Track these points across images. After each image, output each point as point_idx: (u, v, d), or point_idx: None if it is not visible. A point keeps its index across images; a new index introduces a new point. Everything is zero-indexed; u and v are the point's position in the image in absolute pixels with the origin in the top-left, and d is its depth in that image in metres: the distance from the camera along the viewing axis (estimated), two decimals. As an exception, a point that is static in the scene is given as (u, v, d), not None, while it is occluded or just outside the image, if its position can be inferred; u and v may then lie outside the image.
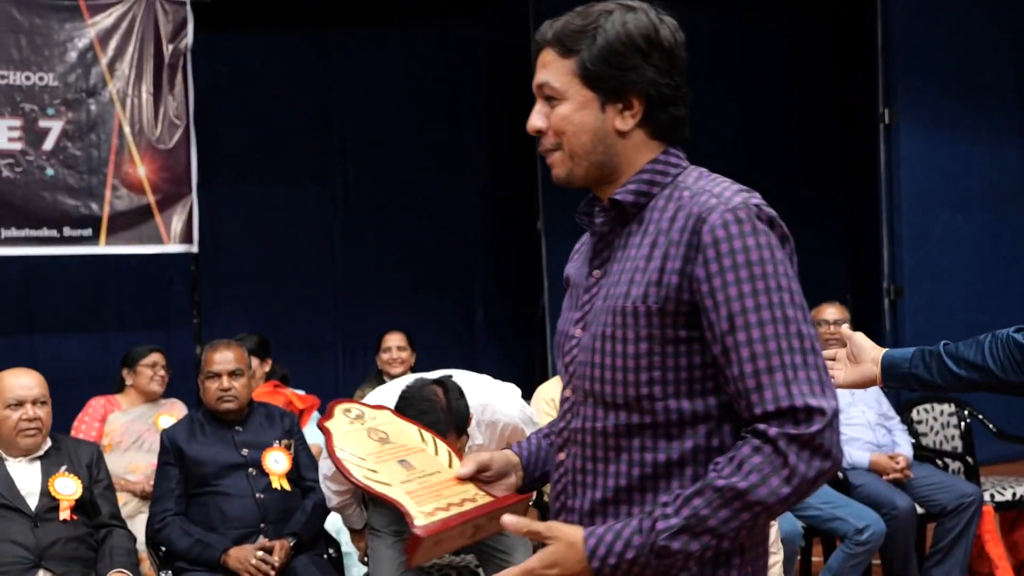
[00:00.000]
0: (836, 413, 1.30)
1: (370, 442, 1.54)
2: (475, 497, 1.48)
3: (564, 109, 1.42)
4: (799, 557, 3.99)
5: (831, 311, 4.37)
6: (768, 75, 7.20)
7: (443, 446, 1.58)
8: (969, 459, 4.47)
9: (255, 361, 4.39)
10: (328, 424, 1.57)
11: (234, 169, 6.71)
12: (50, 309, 6.37)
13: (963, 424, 4.63)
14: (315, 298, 7.13)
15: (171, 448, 3.34)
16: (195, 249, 5.82)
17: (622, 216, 1.43)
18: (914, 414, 4.67)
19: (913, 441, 4.44)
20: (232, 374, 3.37)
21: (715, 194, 1.37)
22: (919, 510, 4.10)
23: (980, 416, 4.72)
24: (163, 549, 3.30)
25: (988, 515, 4.16)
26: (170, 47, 5.83)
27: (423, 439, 1.58)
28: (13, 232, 5.50)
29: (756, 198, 1.39)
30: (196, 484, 3.32)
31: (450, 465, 1.54)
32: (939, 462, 4.44)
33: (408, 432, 1.59)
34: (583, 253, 1.54)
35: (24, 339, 6.35)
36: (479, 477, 1.52)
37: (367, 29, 7.16)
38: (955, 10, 6.28)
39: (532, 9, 6.75)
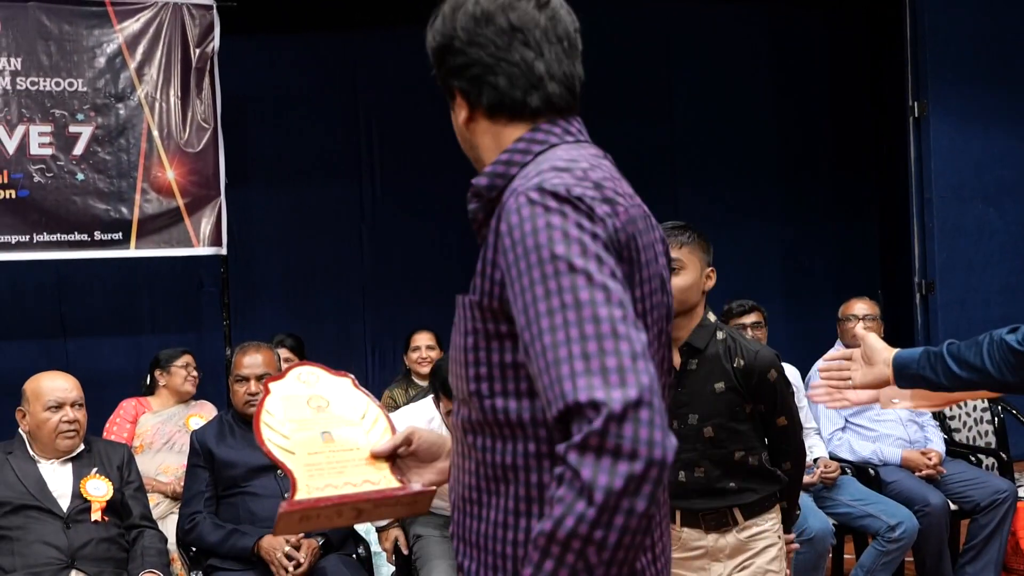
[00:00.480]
0: (638, 403, 1.07)
1: (304, 408, 1.57)
2: (379, 481, 1.49)
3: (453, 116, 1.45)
4: (831, 555, 3.96)
5: (860, 306, 4.33)
6: (798, 68, 7.15)
7: (384, 426, 1.59)
8: (1003, 455, 4.43)
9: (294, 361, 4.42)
10: (272, 384, 1.61)
11: (262, 171, 6.76)
12: (82, 313, 6.44)
13: (997, 419, 4.58)
14: (344, 299, 7.16)
15: (201, 450, 3.37)
16: (224, 251, 5.86)
17: (488, 202, 1.35)
18: (947, 409, 4.62)
19: (946, 437, 4.40)
20: (260, 378, 3.39)
21: (527, 176, 1.27)
22: (952, 507, 4.07)
23: (1014, 411, 4.66)
24: (193, 549, 3.33)
25: (1023, 511, 4.11)
26: (197, 51, 5.88)
27: (365, 415, 1.60)
28: (45, 237, 5.57)
29: (558, 179, 1.22)
30: (225, 486, 3.34)
31: (377, 444, 1.55)
32: (972, 458, 4.39)
33: (353, 405, 1.61)
34: None
35: (57, 343, 6.43)
36: (400, 452, 1.55)
37: (394, 30, 7.17)
38: (985, 0, 6.20)
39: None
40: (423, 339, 5.16)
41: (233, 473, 3.34)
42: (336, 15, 7.08)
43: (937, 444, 4.23)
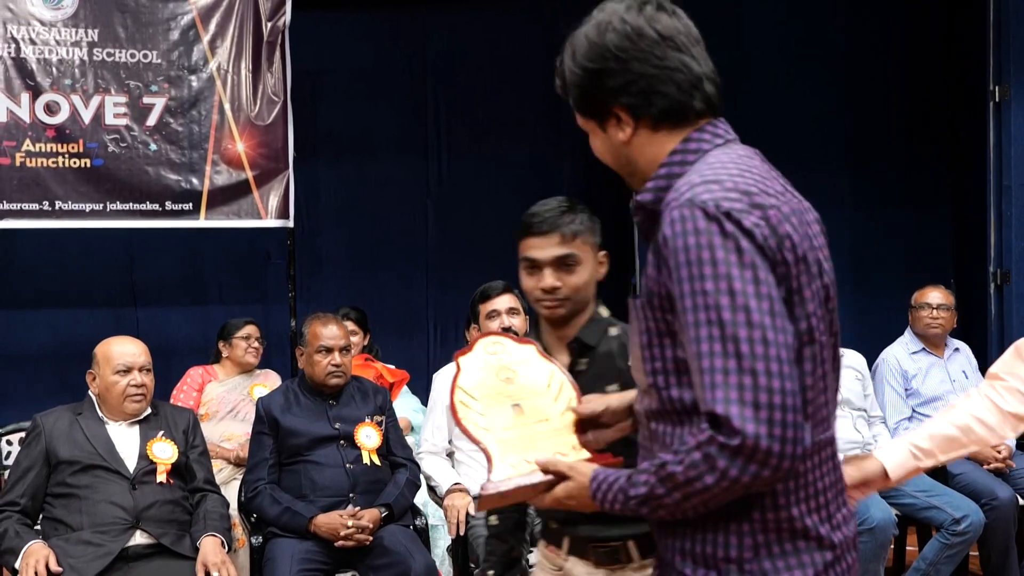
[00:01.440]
0: (769, 420, 1.25)
1: (495, 381, 1.63)
2: (568, 453, 1.55)
3: (591, 141, 1.54)
4: (892, 546, 3.89)
5: (935, 295, 4.23)
6: (872, 49, 6.99)
7: (568, 392, 1.64)
8: (1076, 450, 4.30)
9: (359, 334, 4.48)
10: (462, 359, 1.66)
11: (330, 145, 6.81)
12: (152, 281, 6.57)
13: (1072, 414, 4.44)
14: (407, 274, 7.20)
15: (266, 418, 3.42)
16: (291, 224, 5.92)
17: (649, 216, 1.46)
18: (1019, 403, 4.49)
19: (1017, 430, 4.28)
20: (343, 350, 3.45)
21: (679, 189, 1.37)
22: (1021, 501, 3.96)
23: (1090, 406, 4.51)
24: (254, 516, 3.38)
25: (1095, 509, 4.00)
26: (269, 25, 5.93)
27: (550, 383, 1.64)
28: (118, 206, 5.68)
29: (709, 193, 1.33)
30: (289, 454, 3.39)
31: (563, 414, 1.60)
32: (1044, 452, 4.27)
33: (539, 373, 1.66)
34: None
35: (128, 310, 6.57)
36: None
37: (463, 6, 7.16)
38: (1074, -19, 5.99)
39: None
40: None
41: (297, 442, 3.38)
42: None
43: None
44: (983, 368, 4.46)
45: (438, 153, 7.32)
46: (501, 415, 1.58)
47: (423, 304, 7.23)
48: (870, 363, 4.23)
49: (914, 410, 4.15)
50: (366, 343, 4.90)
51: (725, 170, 1.38)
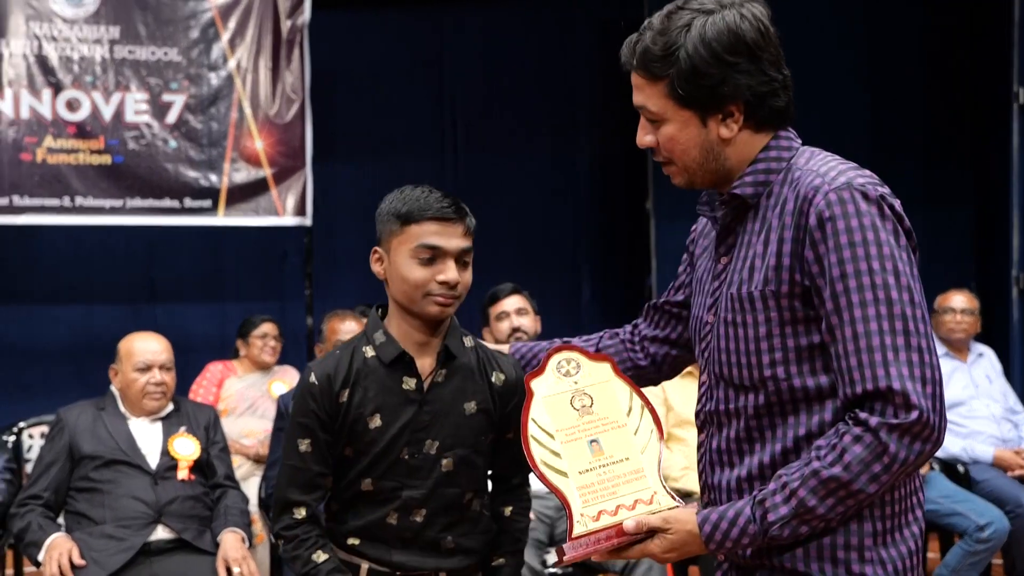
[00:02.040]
0: (933, 395, 1.30)
1: (570, 411, 1.49)
2: (651, 500, 1.44)
3: (668, 130, 1.45)
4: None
5: (959, 299, 4.20)
6: (893, 50, 6.96)
7: (648, 419, 1.51)
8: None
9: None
10: (534, 383, 1.52)
11: (348, 144, 6.82)
12: (171, 278, 6.60)
13: (1096, 420, 4.42)
14: (424, 273, 7.20)
15: (286, 414, 3.42)
16: (308, 222, 5.94)
17: (743, 206, 1.46)
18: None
19: (1041, 437, 4.25)
20: (353, 344, 3.45)
21: (820, 174, 1.38)
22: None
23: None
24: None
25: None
26: (288, 23, 5.95)
27: (630, 410, 1.51)
28: (138, 202, 5.71)
29: (863, 177, 1.38)
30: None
31: (644, 450, 1.47)
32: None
33: (617, 398, 1.52)
34: (710, 240, 1.57)
35: (146, 306, 6.60)
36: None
37: (481, 5, 7.17)
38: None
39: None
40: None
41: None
42: (425, -9, 7.12)
43: (1031, 443, 4.10)
44: (1007, 373, 4.45)
45: (455, 152, 7.33)
46: (578, 454, 1.45)
47: (440, 304, 7.25)
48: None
49: (937, 414, 4.12)
50: (384, 340, 4.90)
51: (846, 163, 1.43)
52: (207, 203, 5.80)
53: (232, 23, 5.88)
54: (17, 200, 5.54)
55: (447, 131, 7.26)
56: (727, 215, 1.48)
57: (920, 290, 1.35)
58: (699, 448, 1.53)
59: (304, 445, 1.75)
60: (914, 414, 1.29)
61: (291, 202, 5.90)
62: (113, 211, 5.69)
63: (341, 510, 1.84)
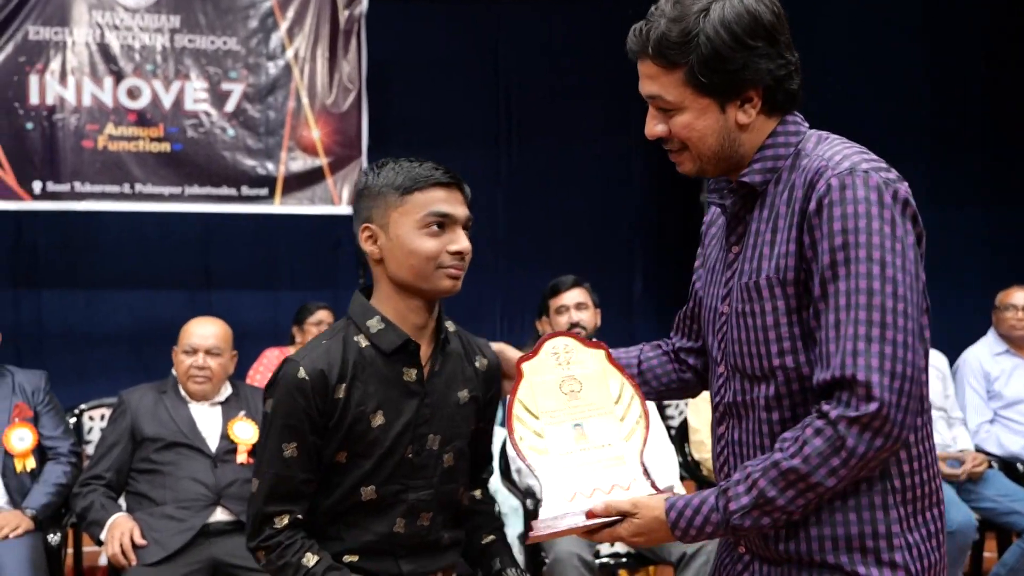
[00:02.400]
0: (900, 390, 1.28)
1: (557, 395, 1.50)
2: (629, 485, 1.45)
3: (685, 118, 1.41)
4: (970, 552, 3.82)
5: (1021, 295, 4.13)
6: (952, 45, 6.85)
7: (636, 408, 1.51)
8: None
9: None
10: (525, 365, 1.54)
11: (403, 134, 6.85)
12: (227, 265, 6.69)
13: None
14: (477, 262, 7.17)
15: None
16: (363, 211, 5.98)
17: (752, 193, 1.44)
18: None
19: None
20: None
21: (826, 159, 1.36)
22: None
23: None
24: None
25: None
26: (345, 13, 6.00)
27: (619, 398, 1.51)
28: (196, 189, 5.80)
29: (868, 162, 1.35)
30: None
31: (628, 437, 1.48)
32: None
33: (607, 386, 1.52)
34: (720, 229, 1.56)
35: (202, 292, 6.70)
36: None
37: (537, 0, 7.18)
38: None
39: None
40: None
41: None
42: (480, -19, 7.13)
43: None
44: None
45: (508, 143, 7.35)
46: (561, 436, 1.47)
47: (492, 293, 7.26)
48: (951, 363, 4.15)
49: (996, 413, 4.06)
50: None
51: (853, 147, 1.39)
52: (264, 191, 5.87)
53: (290, 13, 5.94)
54: (79, 186, 5.66)
55: (501, 122, 7.28)
56: (736, 203, 1.47)
57: (910, 282, 1.31)
58: (719, 441, 1.52)
59: (290, 450, 1.55)
60: (873, 405, 1.28)
61: (346, 191, 5.96)
62: (172, 198, 5.78)
63: (332, 526, 1.64)
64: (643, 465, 1.48)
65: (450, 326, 1.73)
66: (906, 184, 1.37)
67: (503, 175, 7.27)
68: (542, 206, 7.14)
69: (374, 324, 1.61)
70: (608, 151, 7.19)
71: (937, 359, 4.04)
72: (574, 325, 3.56)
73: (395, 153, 6.27)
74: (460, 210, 1.64)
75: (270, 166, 5.85)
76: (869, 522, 1.37)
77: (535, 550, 3.32)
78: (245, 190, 5.86)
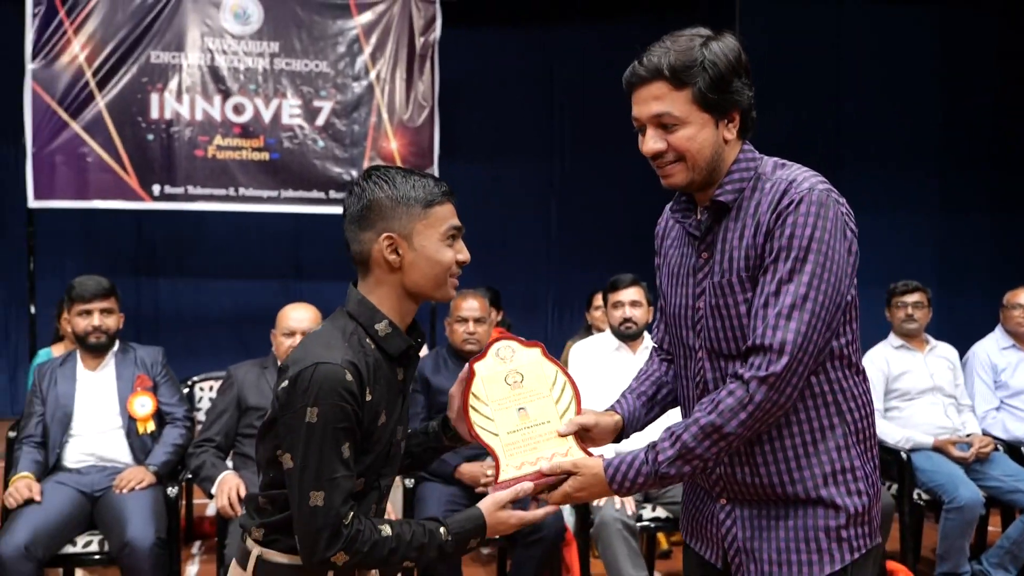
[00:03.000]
0: (804, 359, 1.40)
1: (503, 386, 1.58)
2: (567, 453, 1.53)
3: (688, 132, 1.48)
4: (976, 526, 3.73)
5: (1026, 296, 4.02)
6: (965, 62, 6.70)
7: (569, 392, 1.59)
8: None
9: (493, 311, 4.50)
10: (476, 365, 1.59)
11: (469, 146, 6.88)
12: (315, 259, 6.76)
13: None
14: (532, 262, 7.23)
15: (419, 378, 3.48)
16: (434, 213, 6.00)
17: (722, 210, 1.52)
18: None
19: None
20: (477, 320, 3.47)
21: (788, 180, 1.47)
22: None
23: None
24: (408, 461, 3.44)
25: None
26: (421, 39, 6.01)
27: (554, 384, 1.59)
28: (290, 193, 5.86)
29: (823, 184, 1.46)
30: (438, 409, 3.45)
31: (563, 415, 1.57)
32: None
33: (544, 375, 1.60)
34: (677, 240, 1.64)
35: (293, 282, 6.78)
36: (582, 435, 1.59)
37: (587, 25, 7.14)
38: None
39: (739, 6, 6.53)
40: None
41: (444, 400, 3.42)
42: (538, 11, 7.11)
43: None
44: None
45: (562, 155, 7.32)
46: (508, 418, 1.55)
47: (545, 289, 7.26)
48: (961, 356, 4.05)
49: (1002, 401, 3.96)
50: (499, 319, 4.94)
51: (807, 171, 1.50)
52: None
53: (374, 39, 5.97)
54: (191, 189, 5.75)
55: (555, 135, 7.26)
56: (708, 219, 1.54)
57: (834, 282, 1.42)
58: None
59: (347, 450, 1.39)
60: (780, 367, 1.39)
61: (419, 196, 5.97)
62: (269, 200, 5.85)
63: None
64: (576, 437, 1.55)
65: None
66: (846, 204, 1.48)
67: (556, 182, 7.25)
68: (591, 212, 7.11)
69: (382, 328, 1.48)
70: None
71: (947, 351, 3.95)
72: (627, 320, 3.55)
73: (462, 161, 6.31)
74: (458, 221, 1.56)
75: (354, 172, 5.89)
76: (838, 460, 1.50)
77: (584, 514, 3.31)
78: (332, 193, 5.92)
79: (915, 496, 3.63)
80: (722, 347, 1.53)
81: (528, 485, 1.49)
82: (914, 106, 6.66)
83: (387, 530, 1.43)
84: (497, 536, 1.57)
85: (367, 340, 1.47)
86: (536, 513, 1.52)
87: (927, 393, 3.82)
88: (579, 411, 1.58)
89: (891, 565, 3.50)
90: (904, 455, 3.65)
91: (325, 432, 1.38)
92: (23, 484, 2.85)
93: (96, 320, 3.11)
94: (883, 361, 3.86)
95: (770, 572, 1.51)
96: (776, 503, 1.52)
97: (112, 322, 3.16)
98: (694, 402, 1.58)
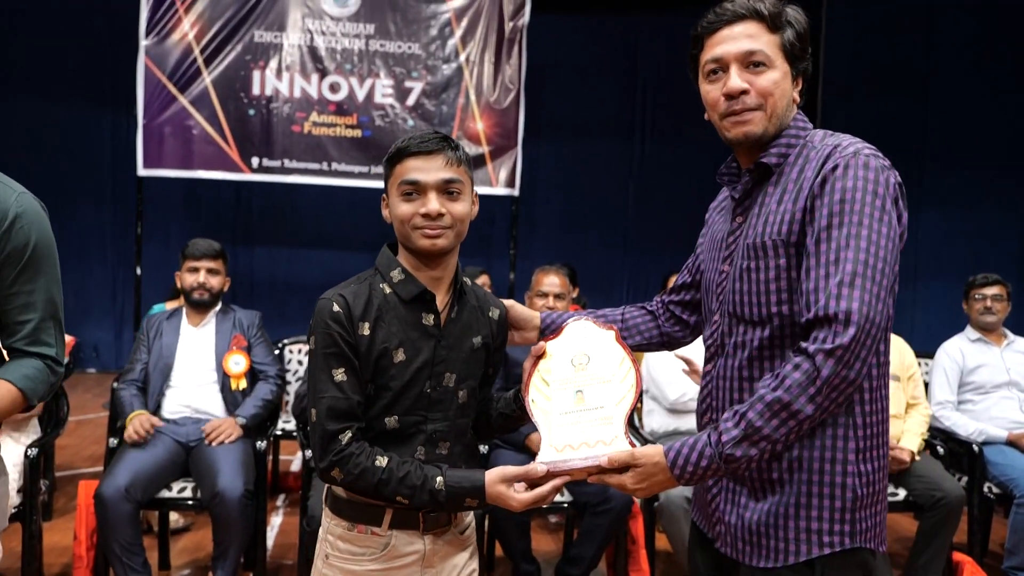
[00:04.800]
0: (871, 331, 1.28)
1: (568, 367, 1.53)
2: (611, 441, 1.43)
3: (774, 75, 1.40)
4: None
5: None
6: (1016, 55, 6.34)
7: (631, 378, 1.50)
8: None
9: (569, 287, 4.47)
10: (549, 344, 1.56)
11: (552, 128, 6.82)
12: (400, 233, 6.82)
13: None
14: (608, 242, 7.15)
15: (494, 349, 3.47)
16: (516, 193, 5.99)
17: (766, 173, 1.44)
18: None
19: None
20: (557, 296, 3.45)
21: (833, 145, 1.37)
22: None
23: None
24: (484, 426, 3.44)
25: None
26: (510, 24, 5.98)
27: (617, 371, 1.52)
28: (380, 169, 5.88)
29: (869, 149, 1.36)
30: (515, 380, 3.44)
31: (619, 402, 1.49)
32: None
33: (611, 360, 1.53)
34: (725, 209, 1.55)
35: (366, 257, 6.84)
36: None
37: (671, 11, 6.99)
38: None
39: (826, -4, 6.31)
40: None
41: (518, 371, 3.42)
42: (623, 1, 7.00)
43: None
44: None
45: (641, 139, 7.21)
46: (564, 399, 1.49)
47: (620, 267, 7.19)
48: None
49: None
50: (574, 295, 4.91)
51: (857, 139, 1.39)
52: (435, 172, 5.94)
53: (464, 23, 5.96)
54: (288, 163, 5.84)
55: (636, 119, 7.15)
56: (749, 182, 1.46)
57: (891, 248, 1.32)
58: (705, 376, 1.50)
59: (340, 374, 1.47)
60: (847, 338, 1.27)
61: (503, 175, 5.97)
62: (360, 175, 5.91)
63: None
64: (625, 426, 1.46)
65: (468, 280, 1.65)
66: (897, 173, 1.37)
67: (634, 167, 7.15)
68: (667, 194, 7.00)
69: (396, 275, 1.55)
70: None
71: (1027, 346, 3.77)
72: None
73: (545, 142, 6.27)
74: (433, 175, 1.51)
75: (441, 151, 5.91)
76: (830, 448, 1.37)
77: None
78: (420, 171, 5.94)
79: (985, 489, 3.48)
80: (745, 312, 1.41)
81: (540, 468, 1.40)
82: (1002, 99, 6.35)
83: (382, 462, 1.47)
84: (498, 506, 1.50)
85: (381, 284, 1.54)
86: (540, 492, 1.40)
87: (1003, 387, 3.65)
88: (635, 398, 1.49)
89: (958, 556, 3.37)
90: (976, 447, 3.50)
91: (317, 356, 1.49)
92: (143, 419, 2.93)
93: (202, 277, 3.18)
94: (959, 353, 3.70)
95: (741, 549, 1.41)
96: (755, 480, 1.40)
97: (216, 282, 3.22)
98: (704, 365, 1.49)
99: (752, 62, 1.40)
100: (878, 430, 1.40)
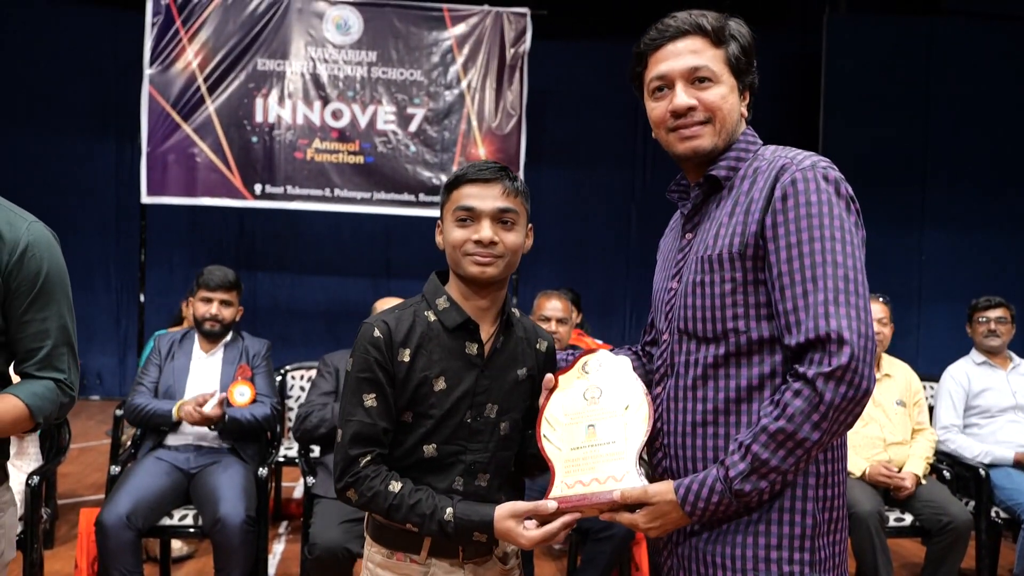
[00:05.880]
0: (867, 345, 1.25)
1: (580, 401, 1.48)
2: (623, 478, 1.39)
3: (721, 90, 1.38)
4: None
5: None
6: (1018, 76, 6.36)
7: (644, 412, 1.45)
8: None
9: (573, 311, 4.47)
10: (561, 377, 1.51)
11: (554, 154, 6.85)
12: (404, 258, 6.82)
13: None
14: (610, 266, 7.16)
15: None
16: (519, 218, 6.00)
17: (715, 187, 1.42)
18: None
19: None
20: (560, 320, 3.45)
21: (788, 157, 1.35)
22: None
23: None
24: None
25: None
26: (511, 51, 6.02)
27: (629, 403, 1.46)
28: (382, 195, 5.93)
29: (824, 162, 1.34)
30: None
31: (631, 436, 1.43)
32: None
33: (623, 391, 1.47)
34: (675, 229, 1.52)
35: (383, 280, 6.85)
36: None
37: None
38: None
39: (826, 21, 6.35)
40: None
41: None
42: (625, 24, 7.03)
43: None
44: None
45: (643, 164, 7.24)
46: (575, 434, 1.44)
47: (622, 293, 7.18)
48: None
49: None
50: (578, 320, 4.90)
51: (808, 152, 1.38)
52: (438, 198, 5.93)
53: (466, 50, 6.01)
54: (290, 189, 5.87)
55: (638, 144, 7.18)
56: (699, 196, 1.43)
57: (862, 258, 1.30)
58: (655, 400, 1.44)
59: (370, 400, 1.47)
60: (844, 358, 1.23)
61: (505, 200, 5.98)
62: (363, 201, 5.94)
63: None
64: (637, 461, 1.41)
65: (516, 312, 1.63)
66: (850, 186, 1.35)
67: (636, 192, 7.17)
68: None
69: (441, 303, 1.54)
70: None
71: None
72: None
73: (547, 168, 6.28)
74: (488, 203, 1.51)
75: (443, 177, 5.93)
76: (801, 500, 1.33)
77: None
78: (422, 196, 5.97)
79: (993, 514, 3.45)
80: (697, 328, 1.36)
81: (550, 504, 1.36)
82: (1001, 123, 6.37)
83: (395, 487, 1.47)
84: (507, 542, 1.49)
85: (426, 312, 1.53)
86: (548, 529, 1.36)
87: (1008, 411, 3.63)
88: (648, 432, 1.43)
89: (966, 582, 3.34)
90: (983, 472, 3.48)
91: (351, 378, 1.49)
92: (192, 403, 2.93)
93: (214, 309, 3.17)
94: (964, 377, 3.68)
95: (689, 569, 1.36)
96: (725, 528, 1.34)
97: (229, 313, 3.21)
98: (652, 390, 1.45)
99: (697, 77, 1.38)
100: (838, 454, 1.37)
